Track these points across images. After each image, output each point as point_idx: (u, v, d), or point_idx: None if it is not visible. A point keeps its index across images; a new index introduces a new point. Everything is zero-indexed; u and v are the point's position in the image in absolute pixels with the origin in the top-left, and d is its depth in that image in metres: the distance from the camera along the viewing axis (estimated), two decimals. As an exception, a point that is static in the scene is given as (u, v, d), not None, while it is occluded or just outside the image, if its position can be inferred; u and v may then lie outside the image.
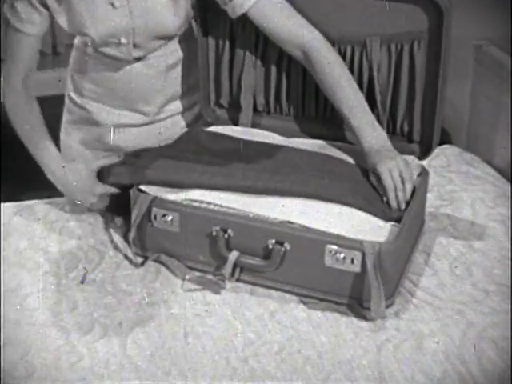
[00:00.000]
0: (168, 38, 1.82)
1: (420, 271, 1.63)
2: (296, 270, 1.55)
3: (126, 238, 1.69)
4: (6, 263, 1.63)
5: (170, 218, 1.61)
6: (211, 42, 1.93)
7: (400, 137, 1.85)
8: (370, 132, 1.67)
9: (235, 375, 1.37)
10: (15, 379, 1.35)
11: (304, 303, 1.54)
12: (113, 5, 1.71)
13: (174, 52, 1.87)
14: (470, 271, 1.63)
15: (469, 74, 2.16)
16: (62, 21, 1.74)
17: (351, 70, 1.83)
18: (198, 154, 1.76)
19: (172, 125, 1.95)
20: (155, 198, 1.62)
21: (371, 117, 1.69)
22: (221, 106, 1.98)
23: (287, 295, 1.56)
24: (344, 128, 1.87)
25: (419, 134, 1.83)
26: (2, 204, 1.81)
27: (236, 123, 1.96)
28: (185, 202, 1.62)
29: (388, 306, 1.51)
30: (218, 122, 1.96)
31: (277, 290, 1.57)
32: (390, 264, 1.49)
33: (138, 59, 1.82)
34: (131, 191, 1.65)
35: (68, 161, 1.87)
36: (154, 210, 1.61)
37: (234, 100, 1.96)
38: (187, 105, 1.97)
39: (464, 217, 1.82)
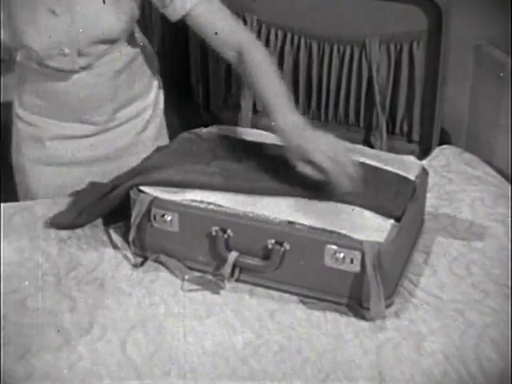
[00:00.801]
0: (112, 42, 1.78)
1: (419, 271, 1.63)
2: (295, 270, 1.55)
3: (125, 238, 1.69)
4: (6, 263, 1.63)
5: (169, 218, 1.61)
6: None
7: (399, 137, 1.86)
8: (292, 116, 1.62)
9: (235, 375, 1.37)
10: (15, 379, 1.35)
11: (303, 303, 1.54)
12: (54, 12, 1.67)
13: (120, 57, 1.83)
14: (470, 271, 1.63)
15: (468, 74, 2.16)
16: (4, 33, 1.70)
17: (351, 70, 1.83)
18: (197, 155, 1.76)
19: (124, 132, 1.93)
20: (155, 198, 1.62)
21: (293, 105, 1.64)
22: (220, 107, 1.99)
23: (287, 295, 1.56)
24: (344, 128, 1.88)
25: (419, 133, 1.84)
26: (1, 204, 1.81)
27: (235, 123, 1.96)
28: (184, 203, 1.62)
29: (387, 306, 1.51)
30: (218, 122, 1.97)
31: (276, 290, 1.57)
32: (390, 264, 1.49)
33: (84, 68, 1.79)
34: (131, 192, 1.65)
35: (23, 180, 1.87)
36: (154, 210, 1.61)
37: (234, 100, 1.96)
38: (138, 110, 1.95)
39: (463, 217, 1.82)
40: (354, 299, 1.51)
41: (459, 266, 1.65)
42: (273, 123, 1.61)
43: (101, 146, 1.90)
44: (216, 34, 1.69)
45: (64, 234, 1.73)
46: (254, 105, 1.94)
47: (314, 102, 1.91)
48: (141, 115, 1.94)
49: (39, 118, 1.89)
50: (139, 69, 1.88)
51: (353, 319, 1.50)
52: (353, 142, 1.83)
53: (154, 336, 1.45)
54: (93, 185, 1.81)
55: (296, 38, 1.85)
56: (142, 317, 1.49)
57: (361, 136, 1.88)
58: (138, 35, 1.87)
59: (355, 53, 1.80)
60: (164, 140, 2.05)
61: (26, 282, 1.58)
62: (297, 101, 1.92)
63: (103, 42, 1.76)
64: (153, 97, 1.96)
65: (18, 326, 1.47)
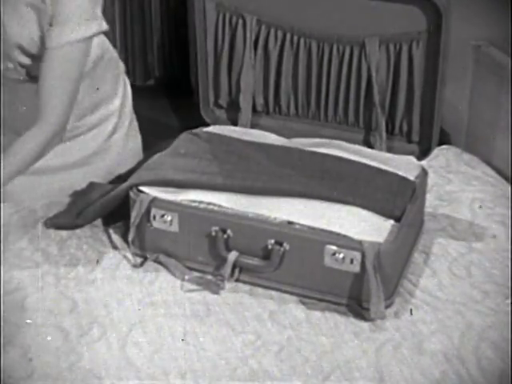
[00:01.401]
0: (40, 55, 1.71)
1: (419, 271, 1.63)
2: (295, 270, 1.55)
3: (125, 238, 1.69)
4: (5, 263, 1.63)
5: (169, 218, 1.61)
6: (210, 41, 1.93)
7: (399, 137, 1.86)
8: None
9: (235, 375, 1.37)
10: (15, 379, 1.35)
11: (303, 303, 1.54)
12: None
13: None
14: (469, 271, 1.63)
15: (468, 74, 2.16)
16: None
17: (350, 70, 1.84)
18: (197, 155, 1.76)
19: (92, 138, 1.89)
20: (154, 198, 1.62)
21: None
22: (220, 107, 1.99)
23: (286, 295, 1.56)
24: (343, 128, 1.88)
25: (418, 134, 1.84)
26: (1, 204, 1.81)
27: (235, 123, 1.96)
28: (184, 203, 1.62)
29: (387, 307, 1.51)
30: (217, 122, 1.97)
31: (276, 290, 1.57)
32: (390, 264, 1.49)
33: (32, 77, 1.73)
34: (131, 192, 1.65)
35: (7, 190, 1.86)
36: (154, 210, 1.61)
37: (233, 100, 1.96)
38: (103, 117, 1.90)
39: (463, 217, 1.82)
40: (353, 299, 1.51)
41: (459, 266, 1.65)
42: None
43: (69, 153, 1.87)
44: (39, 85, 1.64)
45: (64, 234, 1.73)
46: (254, 105, 1.94)
47: (314, 102, 1.91)
48: (107, 121, 1.91)
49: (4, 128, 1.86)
50: (101, 75, 1.85)
51: (352, 319, 1.50)
52: (352, 142, 1.84)
53: (154, 336, 1.45)
54: (92, 185, 1.81)
55: (296, 38, 1.85)
56: (141, 317, 1.49)
57: (360, 136, 1.88)
58: (98, 40, 1.83)
59: (355, 53, 1.80)
60: (135, 143, 2.03)
61: (26, 282, 1.58)
62: (296, 101, 1.92)
63: (36, 55, 1.70)
64: (118, 103, 1.92)
65: (18, 326, 1.47)
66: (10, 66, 1.69)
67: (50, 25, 1.61)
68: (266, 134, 1.89)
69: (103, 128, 1.91)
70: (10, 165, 1.60)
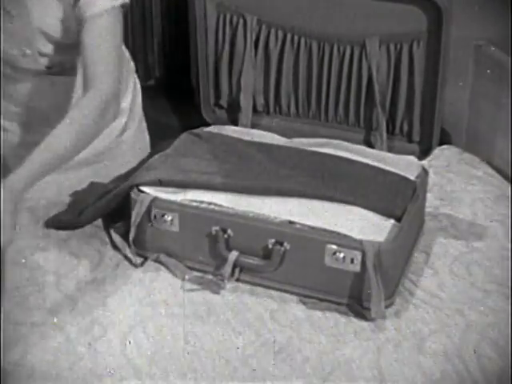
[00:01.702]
0: (70, 44, 1.73)
1: (420, 271, 1.63)
2: (296, 269, 1.55)
3: (125, 238, 1.69)
4: (6, 263, 1.62)
5: (169, 218, 1.61)
6: (210, 41, 1.93)
7: (400, 137, 1.86)
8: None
9: (235, 375, 1.37)
10: (15, 379, 1.35)
11: (304, 303, 1.54)
12: (9, 13, 1.65)
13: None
14: (470, 271, 1.63)
15: (468, 74, 2.16)
16: None
17: (351, 70, 1.83)
18: (197, 155, 1.76)
19: (101, 136, 1.88)
20: (155, 198, 1.62)
21: None
22: (220, 107, 1.99)
23: (287, 295, 1.56)
24: (344, 128, 1.88)
25: (419, 134, 1.84)
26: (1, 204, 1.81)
27: (236, 123, 1.96)
28: (184, 203, 1.62)
29: (388, 306, 1.51)
30: (218, 122, 1.97)
31: (276, 289, 1.57)
32: (390, 264, 1.49)
33: (50, 68, 1.76)
34: (131, 192, 1.65)
35: None
36: (154, 210, 1.61)
37: (234, 100, 1.96)
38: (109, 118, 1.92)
39: (464, 217, 1.82)
40: (354, 299, 1.51)
41: (459, 265, 1.65)
42: None
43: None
44: (86, 55, 1.61)
45: (64, 233, 1.72)
46: (254, 105, 1.94)
47: (314, 102, 1.90)
48: (116, 119, 1.91)
49: (15, 124, 1.87)
50: None
51: (353, 319, 1.50)
52: (353, 141, 1.84)
53: (154, 336, 1.45)
54: (93, 185, 1.81)
55: (296, 38, 1.85)
56: (142, 317, 1.49)
57: (361, 136, 1.88)
58: None
59: (355, 53, 1.80)
60: (144, 142, 2.03)
61: (26, 282, 1.58)
62: (297, 100, 1.92)
63: (59, 42, 1.72)
64: (128, 100, 1.93)
65: (19, 325, 1.47)
66: (28, 52, 1.69)
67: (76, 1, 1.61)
68: (267, 133, 1.89)
69: (113, 126, 1.90)
70: (68, 133, 1.55)
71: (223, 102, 1.98)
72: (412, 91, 1.80)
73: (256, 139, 1.84)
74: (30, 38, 1.68)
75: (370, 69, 1.81)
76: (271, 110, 1.95)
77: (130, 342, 1.43)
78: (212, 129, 1.90)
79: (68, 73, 1.78)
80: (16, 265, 1.63)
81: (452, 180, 1.97)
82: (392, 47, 1.78)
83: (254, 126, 1.94)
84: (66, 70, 1.77)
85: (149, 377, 1.36)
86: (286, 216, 1.57)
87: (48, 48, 1.71)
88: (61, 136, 1.53)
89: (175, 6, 3.24)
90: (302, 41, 1.85)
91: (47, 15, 1.66)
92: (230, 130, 1.90)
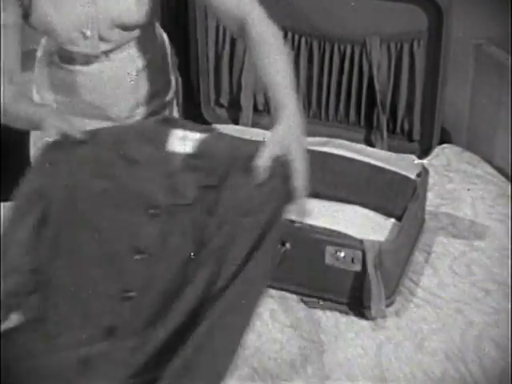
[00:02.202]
0: (132, 29, 1.75)
1: (420, 270, 1.63)
2: (296, 269, 1.55)
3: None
4: (6, 263, 1.63)
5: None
6: (211, 41, 1.93)
7: (400, 136, 1.85)
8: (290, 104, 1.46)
9: (235, 375, 1.36)
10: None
11: (304, 302, 1.54)
12: None
13: (142, 54, 1.82)
14: (470, 270, 1.63)
15: (469, 73, 2.16)
16: (31, 17, 1.67)
17: (351, 69, 1.83)
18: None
19: None
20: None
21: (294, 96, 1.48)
22: (221, 106, 1.99)
23: (288, 294, 1.56)
24: (344, 127, 1.88)
25: (419, 133, 1.84)
26: (1, 204, 1.81)
27: (236, 123, 1.96)
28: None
29: (388, 305, 1.51)
30: (219, 121, 1.97)
31: (277, 289, 1.57)
32: (391, 263, 1.49)
33: (106, 54, 1.77)
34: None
35: None
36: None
37: (234, 99, 1.96)
38: (156, 108, 1.94)
39: (464, 216, 1.82)
40: (354, 298, 1.51)
41: (460, 265, 1.65)
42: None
43: None
44: (219, 4, 1.59)
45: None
46: (255, 104, 1.94)
47: (315, 101, 1.90)
48: (158, 114, 1.93)
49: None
50: (160, 66, 1.88)
51: (354, 318, 1.50)
52: (353, 141, 1.84)
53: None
54: None
55: (296, 38, 1.85)
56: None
57: (361, 135, 1.88)
58: (159, 31, 1.87)
59: (356, 52, 1.80)
60: None
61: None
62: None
63: (123, 26, 1.73)
64: (170, 96, 1.95)
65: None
66: (89, 33, 1.69)
67: None
68: (267, 132, 1.89)
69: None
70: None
71: (224, 100, 1.98)
72: (412, 90, 1.80)
73: (256, 138, 1.84)
74: (92, 20, 1.69)
75: (370, 68, 1.81)
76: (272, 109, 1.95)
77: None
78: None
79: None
80: (17, 264, 1.63)
81: (452, 179, 1.97)
82: (392, 46, 1.78)
83: (254, 125, 1.94)
84: (116, 63, 1.79)
85: (149, 376, 1.36)
86: (286, 215, 1.56)
87: (109, 32, 1.73)
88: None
89: (175, 5, 3.23)
90: (303, 40, 1.84)
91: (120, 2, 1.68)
92: (231, 129, 1.89)
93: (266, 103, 1.95)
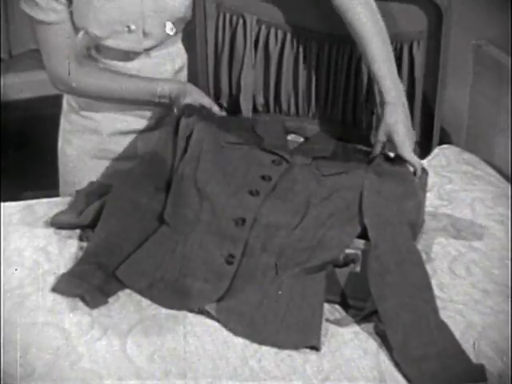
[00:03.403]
0: (178, 24, 1.79)
1: (419, 271, 1.63)
2: (296, 269, 1.55)
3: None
4: (5, 263, 1.63)
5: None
6: (210, 41, 1.93)
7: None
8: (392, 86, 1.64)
9: (235, 375, 1.36)
10: (15, 379, 1.35)
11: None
12: None
13: (181, 54, 1.85)
14: (470, 271, 1.63)
15: (468, 73, 2.16)
16: (74, 10, 1.69)
17: (350, 69, 1.83)
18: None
19: None
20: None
21: (395, 70, 1.66)
22: (220, 106, 1.98)
23: (287, 295, 1.56)
24: (344, 127, 1.88)
25: (419, 133, 1.83)
26: (1, 204, 1.81)
27: (236, 123, 1.96)
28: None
29: (388, 306, 1.50)
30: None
31: (277, 289, 1.57)
32: (390, 264, 1.49)
33: (148, 52, 1.80)
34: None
35: (68, 169, 1.87)
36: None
37: (234, 100, 1.96)
38: None
39: (463, 216, 1.82)
40: (354, 299, 1.51)
41: (459, 265, 1.65)
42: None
43: (151, 142, 1.90)
44: None
45: (64, 233, 1.72)
46: (254, 104, 1.94)
47: (314, 102, 1.91)
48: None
49: (95, 111, 1.91)
50: (194, 70, 1.91)
51: (353, 319, 1.50)
52: (352, 141, 1.84)
53: (154, 336, 1.45)
54: (93, 184, 1.81)
55: (296, 38, 1.85)
56: (142, 317, 1.49)
57: (360, 135, 1.88)
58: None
59: (355, 52, 1.80)
60: None
61: (26, 282, 1.58)
62: (297, 100, 1.92)
63: (169, 20, 1.75)
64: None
65: (18, 325, 1.47)
66: (133, 27, 1.72)
67: None
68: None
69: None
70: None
71: (223, 101, 1.98)
72: (412, 91, 1.80)
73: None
74: (139, 15, 1.70)
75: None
76: (271, 109, 1.95)
77: (129, 343, 1.43)
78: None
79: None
80: (16, 265, 1.63)
81: (452, 179, 1.97)
82: (392, 47, 1.78)
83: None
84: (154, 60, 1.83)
85: (149, 376, 1.36)
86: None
87: (153, 29, 1.73)
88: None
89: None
90: (302, 40, 1.85)
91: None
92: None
93: (266, 104, 1.95)
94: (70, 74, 1.74)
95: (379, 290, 1.42)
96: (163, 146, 1.71)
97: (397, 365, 1.38)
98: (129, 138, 1.93)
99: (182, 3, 1.75)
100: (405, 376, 1.35)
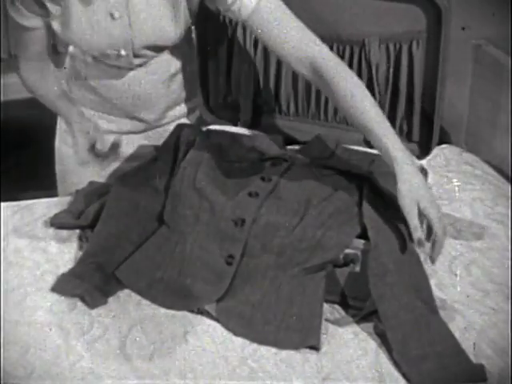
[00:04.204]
0: (166, 48, 1.79)
1: (419, 271, 1.62)
2: (296, 269, 1.55)
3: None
4: (5, 263, 1.63)
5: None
6: (210, 41, 1.93)
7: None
8: (393, 141, 1.50)
9: (234, 375, 1.37)
10: (15, 379, 1.35)
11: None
12: (112, 16, 1.67)
13: (175, 60, 1.85)
14: (469, 271, 1.63)
15: (468, 73, 2.16)
16: (57, 27, 1.70)
17: (350, 69, 1.83)
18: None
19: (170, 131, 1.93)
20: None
21: (390, 128, 1.53)
22: (220, 106, 1.99)
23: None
24: (343, 128, 1.88)
25: (418, 133, 1.84)
26: (1, 204, 1.81)
27: (235, 123, 1.96)
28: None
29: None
30: (217, 122, 1.97)
31: (276, 289, 1.57)
32: (390, 264, 1.49)
33: (140, 65, 1.80)
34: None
35: (65, 169, 1.87)
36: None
37: (233, 100, 1.96)
38: (188, 109, 1.96)
39: (463, 216, 1.82)
40: (354, 299, 1.51)
41: (459, 265, 1.65)
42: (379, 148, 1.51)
43: (147, 142, 1.92)
44: (281, 42, 1.59)
45: (64, 233, 1.72)
46: (254, 104, 1.94)
47: (314, 102, 1.91)
48: (185, 117, 1.95)
49: (89, 110, 1.91)
50: (191, 71, 1.90)
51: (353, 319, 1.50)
52: (352, 142, 1.84)
53: (154, 336, 1.45)
54: (93, 184, 1.81)
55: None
56: (142, 316, 1.49)
57: (360, 136, 1.87)
58: (192, 35, 1.91)
59: (355, 52, 1.80)
60: None
61: (26, 282, 1.58)
62: (296, 101, 1.92)
63: (157, 47, 1.76)
64: (199, 101, 1.97)
65: (18, 325, 1.47)
66: (123, 53, 1.72)
67: (227, 9, 1.62)
68: (263, 134, 1.89)
69: (187, 120, 1.97)
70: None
71: (223, 101, 1.98)
72: (411, 91, 1.80)
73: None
74: (127, 40, 1.70)
75: (369, 69, 1.81)
76: (271, 109, 1.95)
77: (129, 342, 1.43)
78: (212, 129, 1.90)
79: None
80: (16, 265, 1.63)
81: (451, 179, 1.97)
82: (391, 47, 1.78)
83: (254, 126, 1.94)
84: (149, 68, 1.82)
85: (149, 377, 1.36)
86: None
87: (144, 50, 1.74)
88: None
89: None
90: (302, 41, 1.84)
91: (153, 19, 1.69)
92: (230, 130, 1.89)
93: (266, 104, 1.95)
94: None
95: (379, 290, 1.42)
96: (163, 146, 1.72)
97: (396, 365, 1.38)
98: (126, 139, 1.93)
99: (173, 32, 1.72)
100: (404, 376, 1.35)
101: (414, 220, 1.42)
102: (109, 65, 1.78)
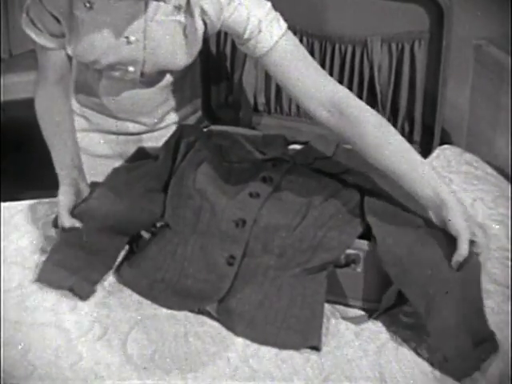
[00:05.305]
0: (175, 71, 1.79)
1: (420, 271, 1.62)
2: (296, 269, 1.55)
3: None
4: (5, 262, 1.63)
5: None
6: (212, 41, 1.93)
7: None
8: (429, 188, 1.46)
9: (235, 375, 1.37)
10: (15, 379, 1.35)
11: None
12: (128, 39, 1.65)
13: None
14: (470, 271, 1.63)
15: (469, 73, 2.16)
16: (70, 47, 1.68)
17: (352, 69, 1.83)
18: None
19: (169, 133, 1.92)
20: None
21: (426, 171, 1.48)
22: (221, 106, 1.99)
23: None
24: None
25: (419, 133, 1.84)
26: (1, 204, 1.81)
27: (236, 123, 1.96)
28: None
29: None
30: (218, 122, 1.97)
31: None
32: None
33: (144, 82, 1.80)
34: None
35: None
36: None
37: (235, 100, 1.96)
38: (185, 115, 1.95)
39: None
40: (355, 299, 1.51)
41: (460, 266, 1.64)
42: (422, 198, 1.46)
43: (146, 143, 1.91)
44: (298, 83, 1.52)
45: (64, 233, 1.72)
46: (255, 105, 1.94)
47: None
48: (186, 119, 1.95)
49: (91, 111, 1.92)
50: (191, 77, 1.90)
51: (354, 319, 1.50)
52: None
53: (155, 336, 1.45)
54: (93, 184, 1.81)
55: (298, 38, 1.85)
56: (142, 316, 1.49)
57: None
58: None
59: (357, 52, 1.80)
60: None
61: (26, 282, 1.58)
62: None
63: (166, 70, 1.76)
64: (200, 104, 1.97)
65: (18, 325, 1.47)
66: (131, 69, 1.71)
67: (243, 43, 1.57)
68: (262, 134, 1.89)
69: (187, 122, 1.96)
70: None
71: (224, 101, 1.98)
72: (413, 91, 1.80)
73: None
74: (139, 61, 1.70)
75: (371, 68, 1.81)
76: (272, 109, 1.95)
77: (130, 342, 1.43)
78: (213, 129, 1.90)
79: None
80: (16, 265, 1.63)
81: (452, 180, 1.97)
82: (394, 47, 1.78)
83: (254, 126, 1.94)
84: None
85: (149, 377, 1.36)
86: None
87: (151, 72, 1.75)
88: None
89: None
90: (304, 40, 1.85)
91: (167, 46, 1.67)
92: (231, 130, 1.89)
93: (267, 104, 1.95)
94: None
95: (400, 277, 1.41)
96: (164, 147, 1.72)
97: (397, 365, 1.38)
98: (117, 138, 1.93)
99: (184, 61, 1.71)
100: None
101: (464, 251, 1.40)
102: (111, 76, 1.77)
